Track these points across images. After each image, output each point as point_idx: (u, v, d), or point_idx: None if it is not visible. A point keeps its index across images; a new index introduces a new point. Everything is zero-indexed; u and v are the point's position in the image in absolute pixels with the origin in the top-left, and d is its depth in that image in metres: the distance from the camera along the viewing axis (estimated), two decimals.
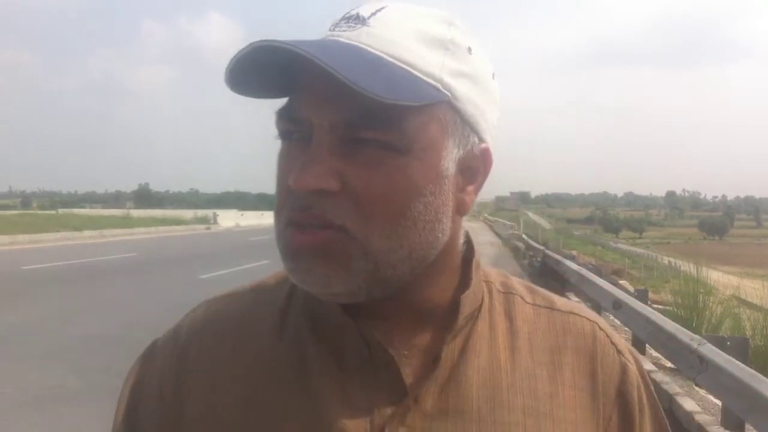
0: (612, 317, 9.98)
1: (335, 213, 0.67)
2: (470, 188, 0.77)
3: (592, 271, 12.95)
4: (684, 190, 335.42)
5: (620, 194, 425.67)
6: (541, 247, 20.14)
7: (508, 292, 0.86)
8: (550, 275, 16.36)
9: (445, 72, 0.71)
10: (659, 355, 7.88)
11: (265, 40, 0.63)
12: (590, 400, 0.80)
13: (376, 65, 0.66)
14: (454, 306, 0.78)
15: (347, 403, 0.72)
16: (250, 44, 0.65)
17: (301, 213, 0.67)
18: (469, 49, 0.74)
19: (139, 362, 0.87)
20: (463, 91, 0.72)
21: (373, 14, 0.70)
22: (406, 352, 0.76)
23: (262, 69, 0.68)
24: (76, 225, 32.22)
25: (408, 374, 0.74)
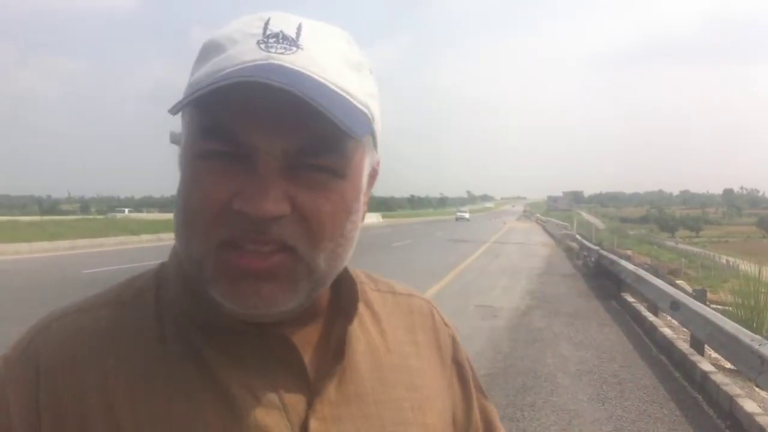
0: (670, 318, 9.82)
1: (288, 235, 0.68)
2: (367, 197, 0.81)
3: (648, 271, 12.76)
4: (742, 188, 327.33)
5: (676, 192, 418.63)
6: (596, 247, 19.90)
7: (357, 281, 0.87)
8: (604, 275, 16.17)
9: (367, 96, 0.74)
10: (719, 356, 7.74)
11: (244, 75, 0.64)
12: (441, 371, 0.91)
13: (332, 95, 0.68)
14: (336, 299, 0.84)
15: (260, 403, 0.74)
16: (228, 77, 0.64)
17: (257, 236, 0.67)
18: (370, 70, 0.78)
19: None
20: (376, 113, 0.75)
21: (298, 34, 0.71)
22: (302, 348, 0.78)
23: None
24: (133, 229, 32.93)
25: (309, 369, 0.78)
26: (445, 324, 0.97)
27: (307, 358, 0.78)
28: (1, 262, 19.17)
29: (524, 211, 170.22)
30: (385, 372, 0.83)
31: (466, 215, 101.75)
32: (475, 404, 0.96)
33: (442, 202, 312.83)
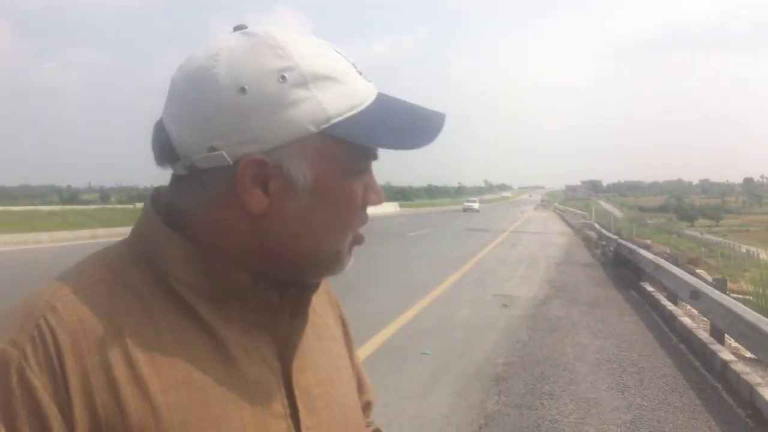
0: (689, 307, 9.78)
1: None
2: None
3: (667, 261, 12.70)
4: (762, 176, 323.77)
5: (695, 181, 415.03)
6: (614, 236, 19.82)
7: None
8: (623, 265, 16.11)
9: None
10: (739, 346, 7.70)
11: (430, 111, 0.87)
12: (336, 324, 1.06)
13: None
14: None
15: (251, 358, 0.83)
16: (421, 117, 0.85)
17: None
18: None
19: None
20: None
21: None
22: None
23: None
24: None
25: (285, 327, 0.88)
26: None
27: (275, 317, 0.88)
28: (21, 252, 19.37)
29: (542, 201, 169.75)
30: (318, 328, 0.96)
31: (475, 205, 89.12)
32: (354, 354, 1.11)
33: (460, 192, 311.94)
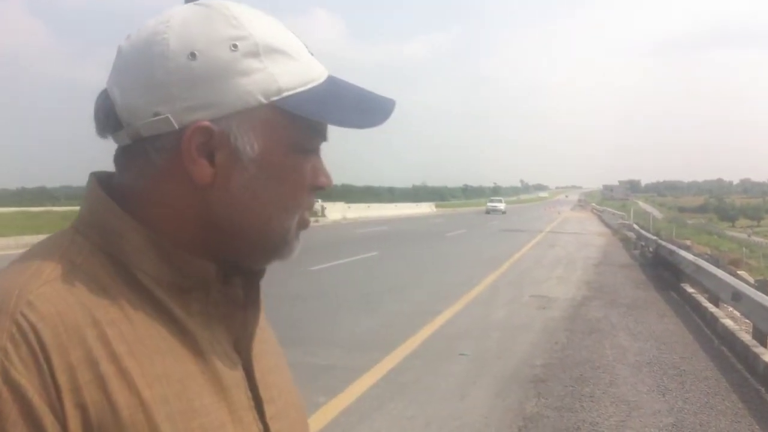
0: (731, 309, 9.64)
1: None
2: None
3: (708, 261, 12.53)
4: None
5: (736, 181, 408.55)
6: (654, 237, 19.59)
7: None
8: (663, 266, 15.92)
9: None
10: None
11: (373, 94, 0.86)
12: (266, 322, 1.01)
13: None
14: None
15: (216, 352, 0.81)
16: (370, 98, 0.85)
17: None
18: None
19: None
20: None
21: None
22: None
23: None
24: None
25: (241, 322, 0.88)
26: None
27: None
28: None
29: (579, 201, 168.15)
30: (263, 327, 0.95)
31: (501, 206, 77.63)
32: None
33: (496, 192, 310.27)
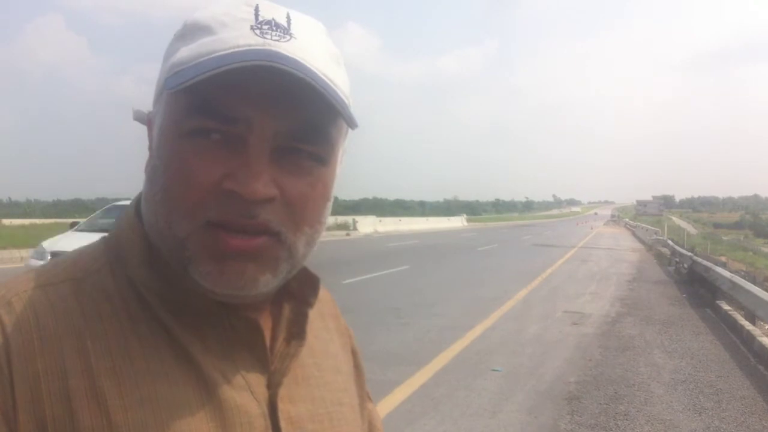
0: None
1: (274, 220, 0.70)
2: None
3: (744, 278, 12.35)
4: None
5: None
6: (689, 253, 19.35)
7: None
8: (698, 282, 15.72)
9: (347, 88, 0.76)
10: None
11: (263, 59, 0.66)
12: (345, 356, 0.95)
13: (326, 85, 0.70)
14: (286, 287, 0.82)
15: (231, 384, 0.74)
16: (240, 59, 0.66)
17: (245, 220, 0.68)
18: (341, 62, 0.78)
19: None
20: (350, 103, 0.76)
21: (289, 23, 0.72)
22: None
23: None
24: None
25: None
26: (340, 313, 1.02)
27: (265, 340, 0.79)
28: None
29: (612, 216, 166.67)
30: (317, 357, 0.87)
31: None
32: (366, 394, 1.02)
33: (528, 206, 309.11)
